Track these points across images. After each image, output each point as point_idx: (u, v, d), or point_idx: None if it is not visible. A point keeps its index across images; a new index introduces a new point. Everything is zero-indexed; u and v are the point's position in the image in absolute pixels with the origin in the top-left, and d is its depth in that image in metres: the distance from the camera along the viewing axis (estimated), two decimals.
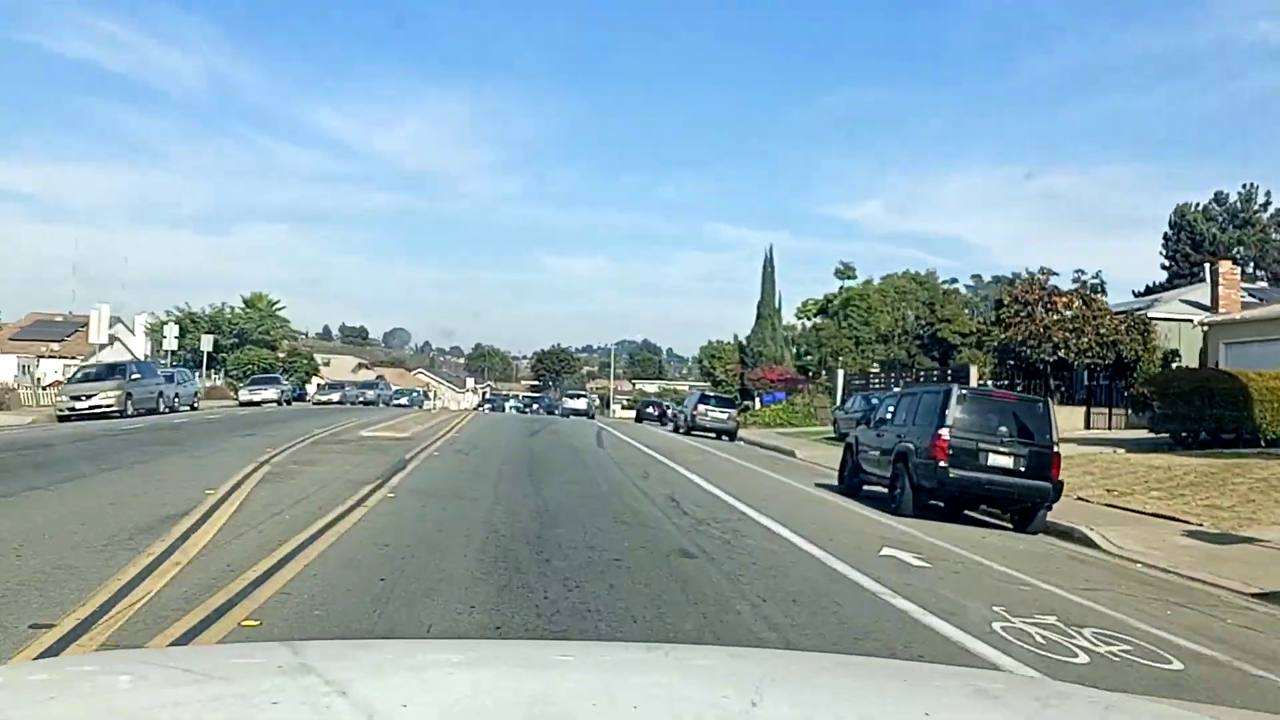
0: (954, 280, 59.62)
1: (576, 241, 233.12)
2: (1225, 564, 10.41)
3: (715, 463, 20.48)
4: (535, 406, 64.61)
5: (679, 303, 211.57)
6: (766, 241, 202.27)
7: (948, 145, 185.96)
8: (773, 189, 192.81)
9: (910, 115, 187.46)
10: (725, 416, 32.76)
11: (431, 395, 79.73)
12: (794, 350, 61.15)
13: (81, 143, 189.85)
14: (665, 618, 6.10)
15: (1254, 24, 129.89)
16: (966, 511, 13.74)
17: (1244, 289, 31.69)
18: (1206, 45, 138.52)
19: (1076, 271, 29.39)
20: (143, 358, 48.92)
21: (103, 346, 50.81)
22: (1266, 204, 59.20)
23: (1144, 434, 22.37)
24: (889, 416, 14.37)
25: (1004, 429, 12.48)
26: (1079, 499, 15.05)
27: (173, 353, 46.92)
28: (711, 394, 38.59)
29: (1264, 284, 43.06)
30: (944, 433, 12.32)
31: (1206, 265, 35.41)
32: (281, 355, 61.22)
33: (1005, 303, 28.87)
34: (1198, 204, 61.37)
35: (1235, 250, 55.50)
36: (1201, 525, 12.80)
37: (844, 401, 34.49)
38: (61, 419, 27.25)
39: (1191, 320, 28.89)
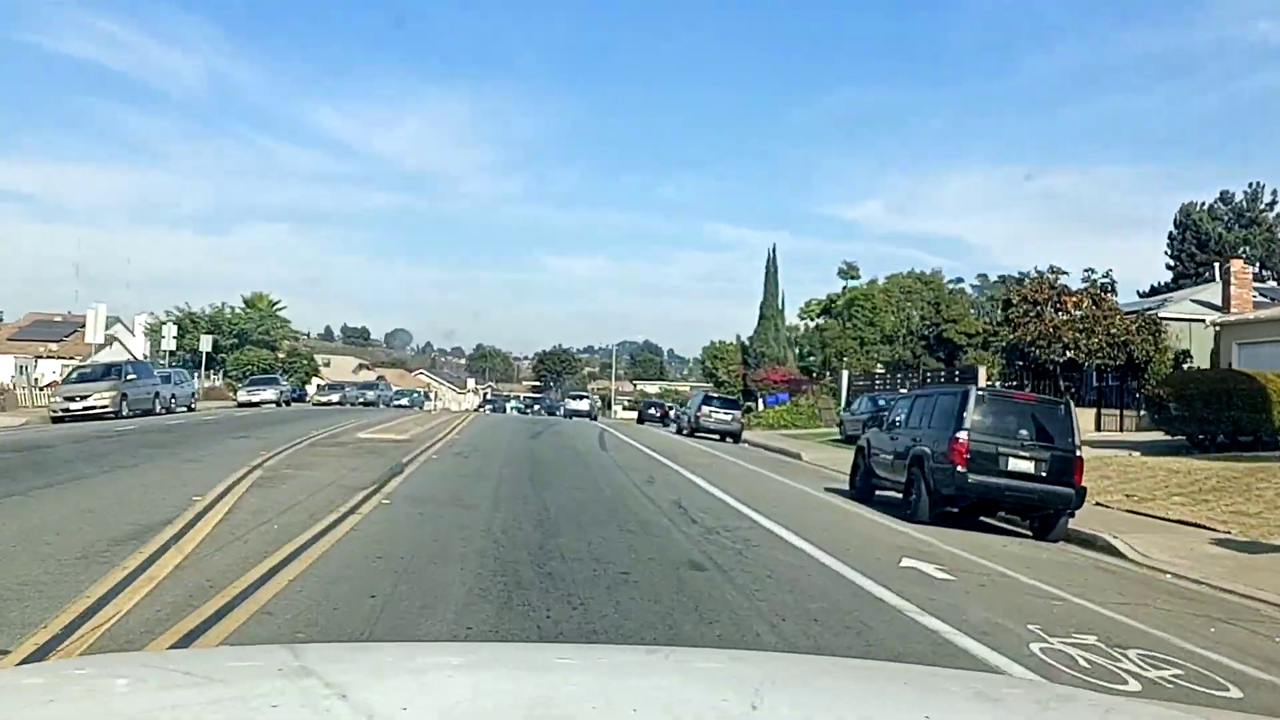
0: (959, 280, 59.19)
1: (576, 241, 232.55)
2: (1260, 575, 9.93)
3: (721, 466, 20.01)
4: (536, 407, 64.17)
5: (679, 303, 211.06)
6: (766, 241, 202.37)
7: (948, 145, 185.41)
8: (773, 189, 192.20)
9: (910, 115, 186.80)
10: (729, 418, 32.25)
11: (432, 396, 79.28)
12: (797, 351, 60.68)
13: (81, 143, 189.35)
14: (678, 640, 5.62)
15: (1254, 24, 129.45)
16: (982, 518, 13.26)
17: (1254, 288, 31.22)
18: (1207, 45, 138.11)
19: (1086, 271, 28.73)
20: (142, 358, 48.50)
21: (101, 347, 50.39)
22: (1273, 203, 58.63)
23: (1158, 436, 21.88)
24: (902, 419, 13.88)
25: (1024, 432, 11.99)
26: (1098, 504, 14.55)
27: (171, 353, 46.49)
28: (715, 395, 38.06)
29: (1274, 283, 42.56)
30: (962, 436, 11.84)
31: (1216, 265, 34.98)
32: (281, 356, 60.75)
33: (1014, 302, 28.36)
34: (1203, 203, 60.86)
35: (1241, 250, 54.83)
36: (1230, 533, 12.31)
37: (850, 403, 33.98)
38: (56, 420, 26.85)
39: (1204, 320, 28.40)
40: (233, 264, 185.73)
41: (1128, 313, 28.26)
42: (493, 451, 19.25)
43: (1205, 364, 27.32)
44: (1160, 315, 28.86)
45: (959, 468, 11.78)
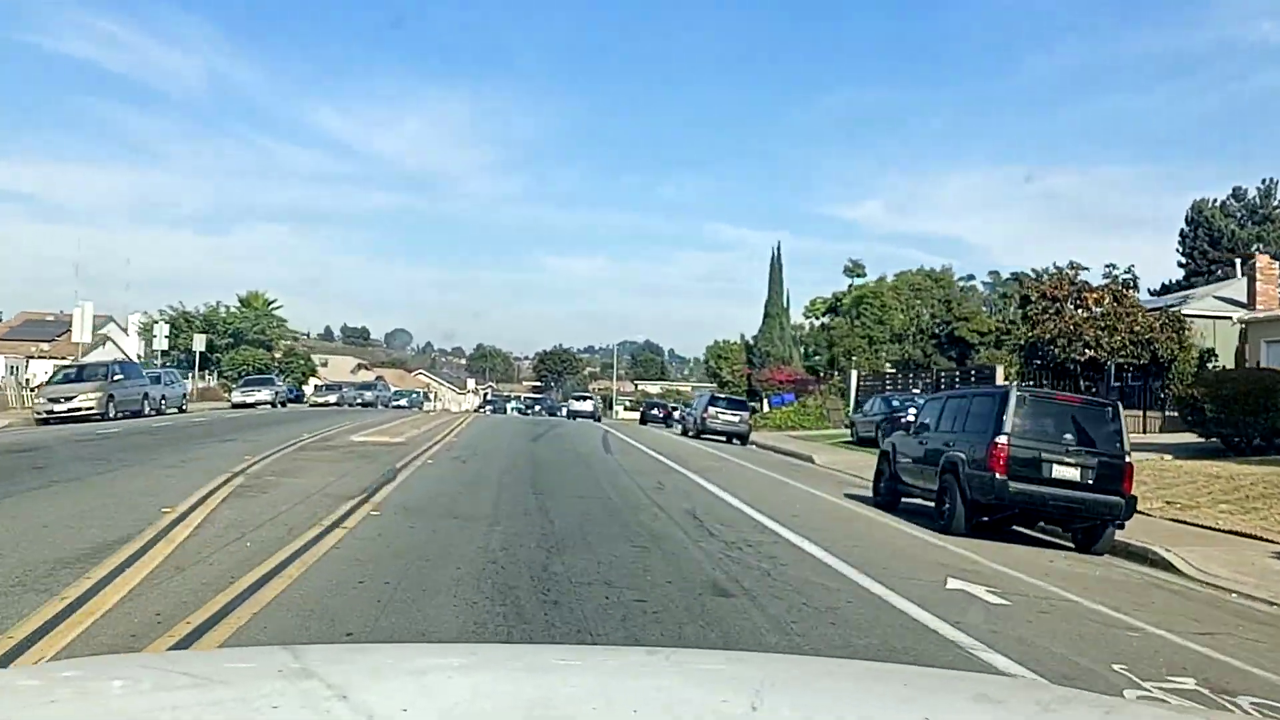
0: (971, 277, 58.21)
1: (576, 241, 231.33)
2: None
3: (732, 470, 19.06)
4: (537, 408, 63.16)
5: (679, 303, 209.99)
6: (766, 241, 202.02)
7: (948, 145, 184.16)
8: (773, 189, 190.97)
9: (910, 115, 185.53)
10: (737, 419, 31.26)
11: (432, 396, 78.35)
12: (802, 350, 59.71)
13: (81, 143, 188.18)
14: None
15: (1255, 24, 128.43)
16: (1016, 527, 12.33)
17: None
18: (1207, 45, 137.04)
19: (1108, 266, 27.89)
20: (135, 358, 47.63)
21: (93, 346, 49.52)
22: None
23: (1189, 438, 20.93)
24: (932, 422, 12.93)
25: (1068, 436, 11.03)
26: (1138, 512, 13.60)
27: (164, 353, 45.59)
28: (722, 395, 37.08)
29: None
30: (1001, 440, 10.88)
31: (1238, 261, 34.02)
32: (278, 356, 59.82)
33: (1033, 299, 27.39)
34: (1215, 199, 59.90)
35: (1255, 246, 53.93)
36: None
37: (862, 404, 33.01)
38: (40, 422, 25.97)
39: (1230, 318, 27.46)
40: (233, 264, 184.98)
41: (1150, 310, 27.29)
42: (492, 455, 18.32)
43: (1230, 362, 26.38)
44: (1183, 313, 27.88)
45: (998, 475, 10.82)
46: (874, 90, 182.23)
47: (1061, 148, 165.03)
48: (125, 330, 57.22)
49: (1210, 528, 12.69)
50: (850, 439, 29.57)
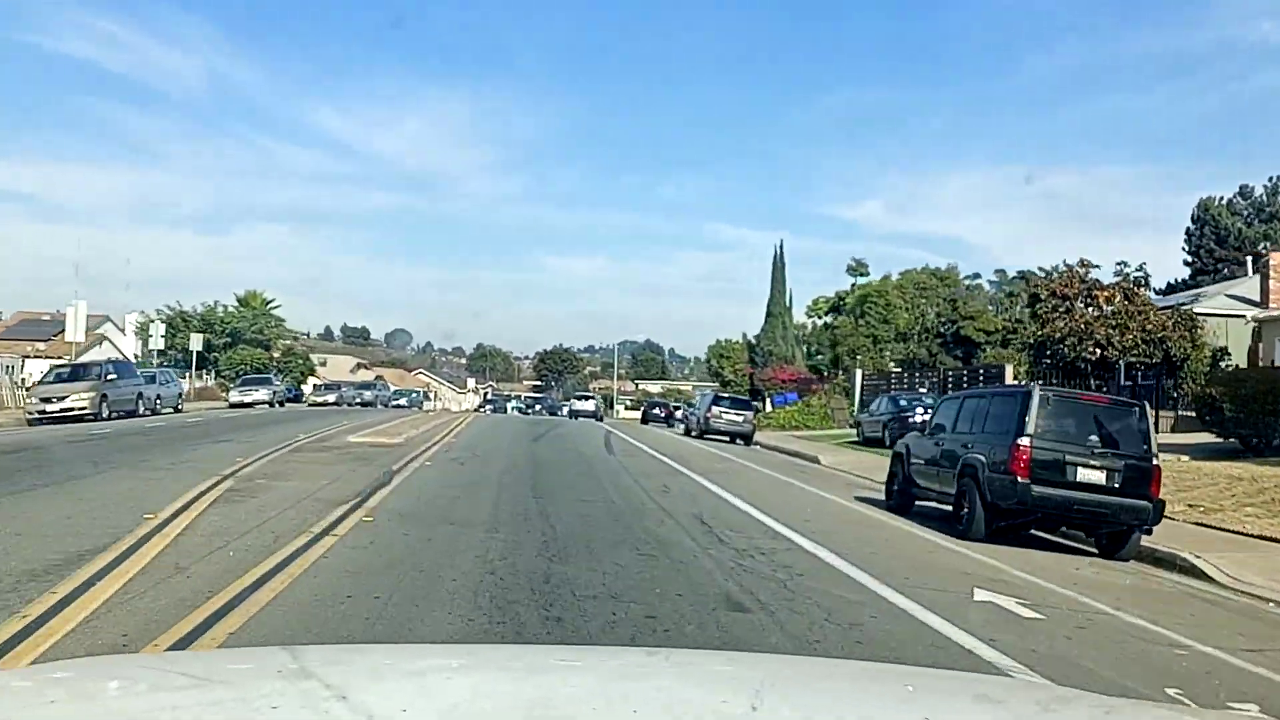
0: (977, 275, 57.69)
1: (576, 241, 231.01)
2: None
3: (737, 472, 18.58)
4: (538, 407, 62.63)
5: (679, 303, 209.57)
6: (766, 241, 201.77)
7: (948, 145, 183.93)
8: (773, 189, 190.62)
9: (910, 115, 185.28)
10: (741, 419, 30.74)
11: (431, 396, 77.86)
12: (805, 349, 59.21)
13: (81, 143, 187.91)
14: None
15: (1255, 24, 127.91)
16: (1034, 532, 11.84)
17: None
18: (1207, 45, 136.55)
19: (1119, 264, 27.44)
20: (133, 358, 47.15)
21: (89, 346, 49.02)
22: None
23: (1205, 438, 20.45)
24: (948, 423, 12.44)
25: (1093, 438, 10.53)
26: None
27: (161, 352, 45.11)
28: (726, 395, 36.57)
29: None
30: (1024, 442, 10.39)
31: (1250, 259, 33.53)
32: (276, 355, 59.32)
33: (1043, 297, 26.89)
34: (1222, 197, 59.38)
35: (1261, 245, 53.43)
36: None
37: (868, 404, 32.52)
38: (32, 423, 25.55)
39: (1243, 316, 26.98)
40: (233, 264, 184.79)
41: (1161, 308, 26.80)
42: (492, 456, 17.85)
43: (1242, 361, 25.90)
44: (1195, 311, 27.40)
45: (1020, 478, 10.33)
46: (874, 90, 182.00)
47: (1061, 148, 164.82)
48: (122, 330, 56.75)
49: (1238, 532, 12.20)
50: (856, 439, 29.09)
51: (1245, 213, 58.26)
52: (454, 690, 1.59)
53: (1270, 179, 58.32)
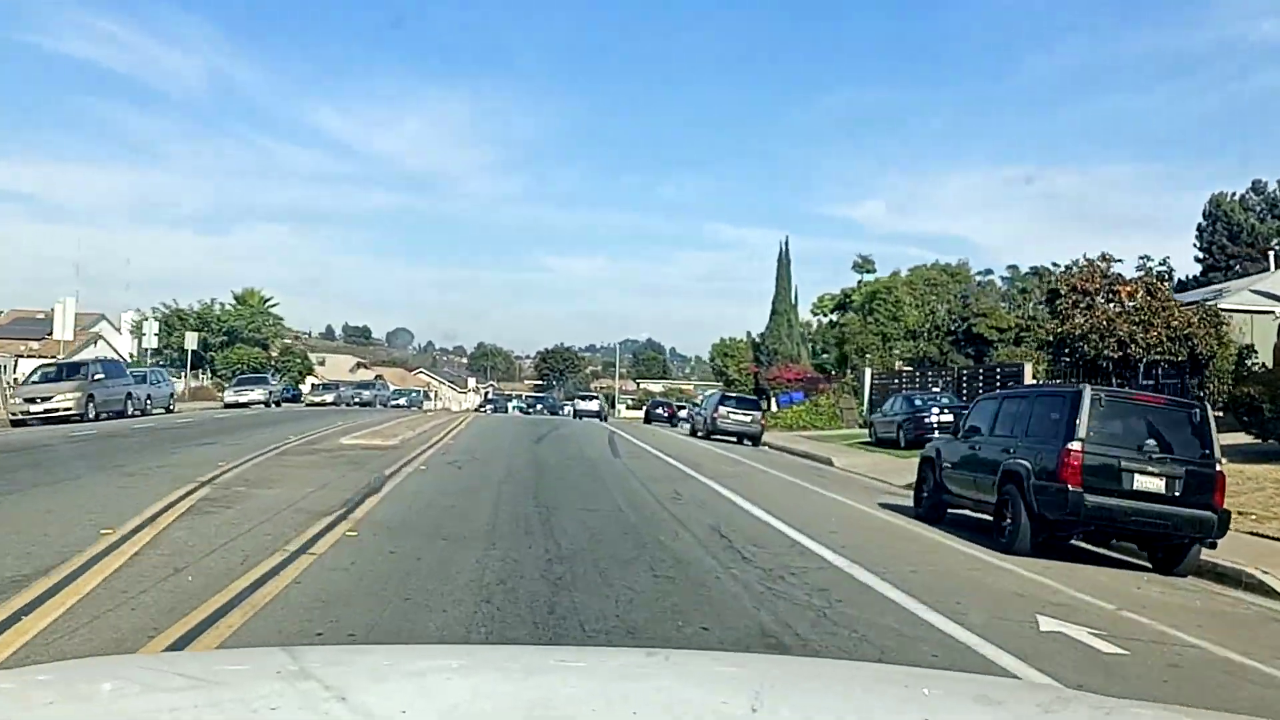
0: (989, 272, 56.63)
1: (576, 241, 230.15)
2: None
3: (750, 475, 17.64)
4: (539, 407, 61.66)
5: (679, 303, 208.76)
6: (767, 241, 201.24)
7: (948, 145, 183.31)
8: (773, 189, 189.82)
9: (910, 115, 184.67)
10: (749, 419, 29.79)
11: (432, 395, 76.92)
12: (810, 348, 58.23)
13: (81, 143, 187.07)
14: None
15: (1255, 24, 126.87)
16: (1076, 543, 10.90)
17: None
18: (1207, 45, 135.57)
19: (1141, 259, 26.41)
20: (128, 357, 46.25)
21: (85, 345, 48.16)
22: None
23: (1239, 439, 19.40)
24: (984, 425, 11.50)
25: (1150, 442, 9.59)
26: None
27: (157, 351, 44.24)
28: (733, 394, 35.59)
29: None
30: (1075, 448, 9.44)
31: (1271, 254, 32.57)
32: (274, 354, 58.40)
33: (1063, 292, 25.93)
34: (1234, 193, 58.39)
35: (1275, 241, 52.55)
36: None
37: (880, 403, 31.56)
38: (15, 424, 24.63)
39: (1272, 312, 26.04)
40: (233, 264, 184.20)
41: (1186, 304, 25.84)
42: (491, 459, 16.91)
43: (1269, 359, 24.93)
44: (1220, 307, 26.45)
45: (1071, 487, 9.38)
46: (874, 90, 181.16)
47: (1062, 148, 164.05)
48: (118, 329, 55.89)
49: None
50: (868, 440, 28.14)
51: (1258, 208, 57.27)
52: (454, 691, 1.60)
53: None
